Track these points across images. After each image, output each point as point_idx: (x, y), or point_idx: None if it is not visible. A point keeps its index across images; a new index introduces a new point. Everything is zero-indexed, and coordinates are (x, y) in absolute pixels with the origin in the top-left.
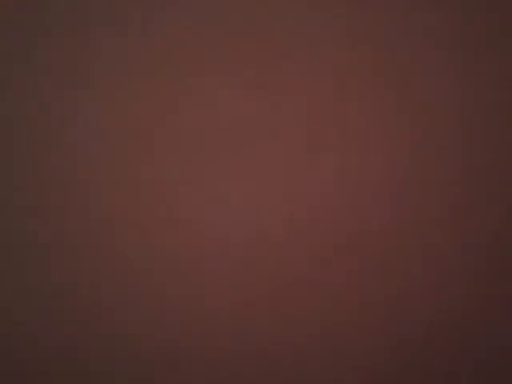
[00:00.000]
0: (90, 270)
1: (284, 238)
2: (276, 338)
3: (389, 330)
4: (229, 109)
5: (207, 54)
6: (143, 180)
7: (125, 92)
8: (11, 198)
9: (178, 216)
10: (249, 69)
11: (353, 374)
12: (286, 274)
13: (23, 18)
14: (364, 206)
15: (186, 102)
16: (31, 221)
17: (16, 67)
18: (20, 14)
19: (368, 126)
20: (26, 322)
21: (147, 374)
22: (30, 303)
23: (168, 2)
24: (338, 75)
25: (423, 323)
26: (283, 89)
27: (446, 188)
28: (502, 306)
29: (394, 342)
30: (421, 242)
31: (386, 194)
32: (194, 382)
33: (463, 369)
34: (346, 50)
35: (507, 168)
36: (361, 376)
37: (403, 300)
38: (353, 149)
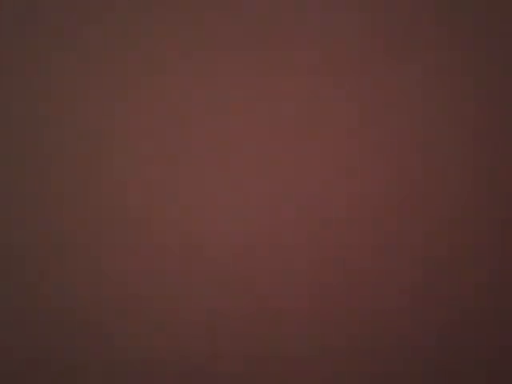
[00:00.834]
0: (90, 269)
1: (284, 238)
2: (276, 338)
3: (393, 331)
4: (229, 109)
5: (207, 54)
6: (143, 180)
7: (125, 92)
8: (11, 197)
9: (177, 216)
10: (248, 69)
11: (353, 373)
12: (288, 274)
13: (12, 15)
14: (366, 205)
15: (185, 103)
16: (31, 221)
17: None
18: (7, 10)
19: (370, 125)
20: (26, 321)
21: (147, 374)
22: (30, 303)
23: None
24: (338, 75)
25: (425, 323)
26: (283, 89)
27: (447, 188)
28: (503, 306)
29: (395, 342)
30: (421, 242)
31: (390, 196)
32: (194, 382)
33: (463, 369)
34: (346, 50)
35: (508, 168)
36: (361, 376)
37: (403, 300)
38: (355, 150)
